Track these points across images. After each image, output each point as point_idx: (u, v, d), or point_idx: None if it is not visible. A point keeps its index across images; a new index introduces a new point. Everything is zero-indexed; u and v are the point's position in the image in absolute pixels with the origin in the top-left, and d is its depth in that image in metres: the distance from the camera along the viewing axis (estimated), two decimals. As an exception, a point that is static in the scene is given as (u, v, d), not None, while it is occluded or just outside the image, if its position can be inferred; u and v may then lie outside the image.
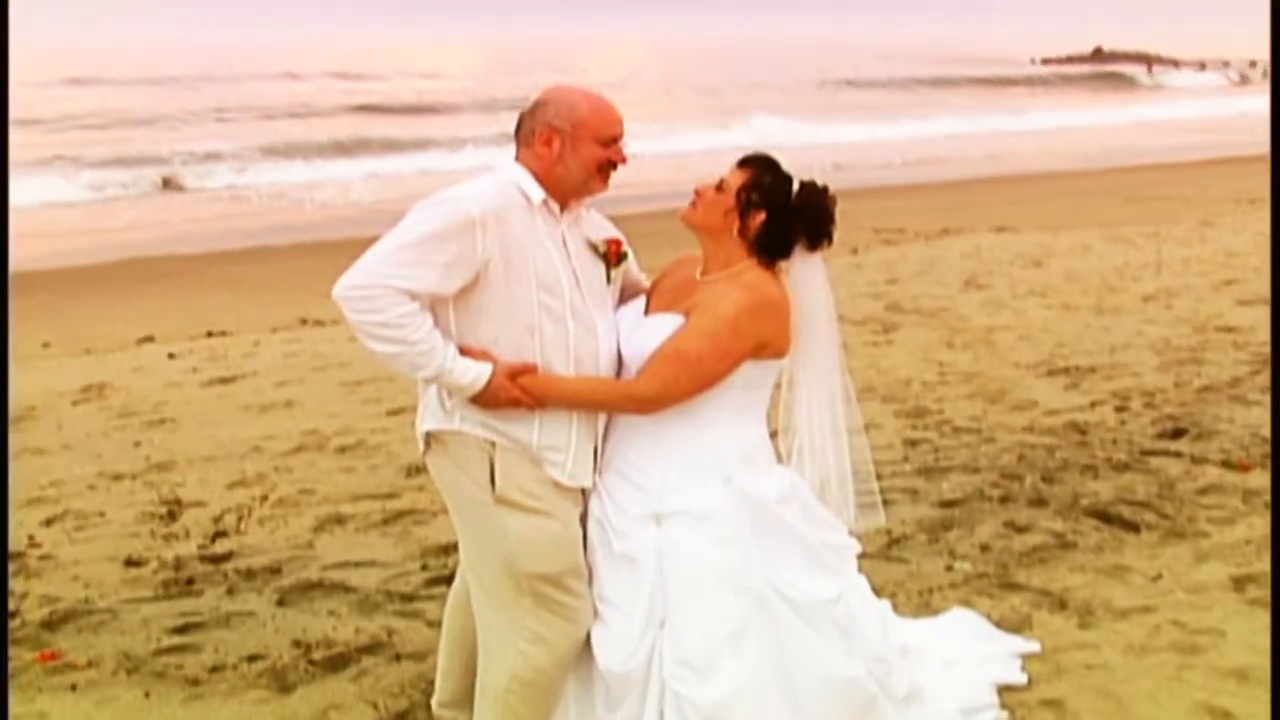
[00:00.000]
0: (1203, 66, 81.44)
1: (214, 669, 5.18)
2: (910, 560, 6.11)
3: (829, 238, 4.18)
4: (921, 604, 5.61)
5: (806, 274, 4.20)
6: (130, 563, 6.32)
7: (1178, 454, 7.48)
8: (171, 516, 7.01)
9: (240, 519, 6.93)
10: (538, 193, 4.00)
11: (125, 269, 15.65)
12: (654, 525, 4.08)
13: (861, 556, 6.04)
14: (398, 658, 5.22)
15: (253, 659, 5.25)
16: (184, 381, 10.11)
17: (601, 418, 4.15)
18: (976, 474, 7.25)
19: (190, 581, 6.09)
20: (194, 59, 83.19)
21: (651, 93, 54.33)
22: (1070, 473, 7.22)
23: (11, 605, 5.83)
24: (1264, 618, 5.36)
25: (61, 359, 11.14)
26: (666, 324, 4.07)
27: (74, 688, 5.04)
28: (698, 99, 50.69)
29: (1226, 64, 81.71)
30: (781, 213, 4.09)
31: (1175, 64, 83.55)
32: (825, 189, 4.18)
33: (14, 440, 8.56)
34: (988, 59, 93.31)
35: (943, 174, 25.47)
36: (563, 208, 4.07)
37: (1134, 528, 6.41)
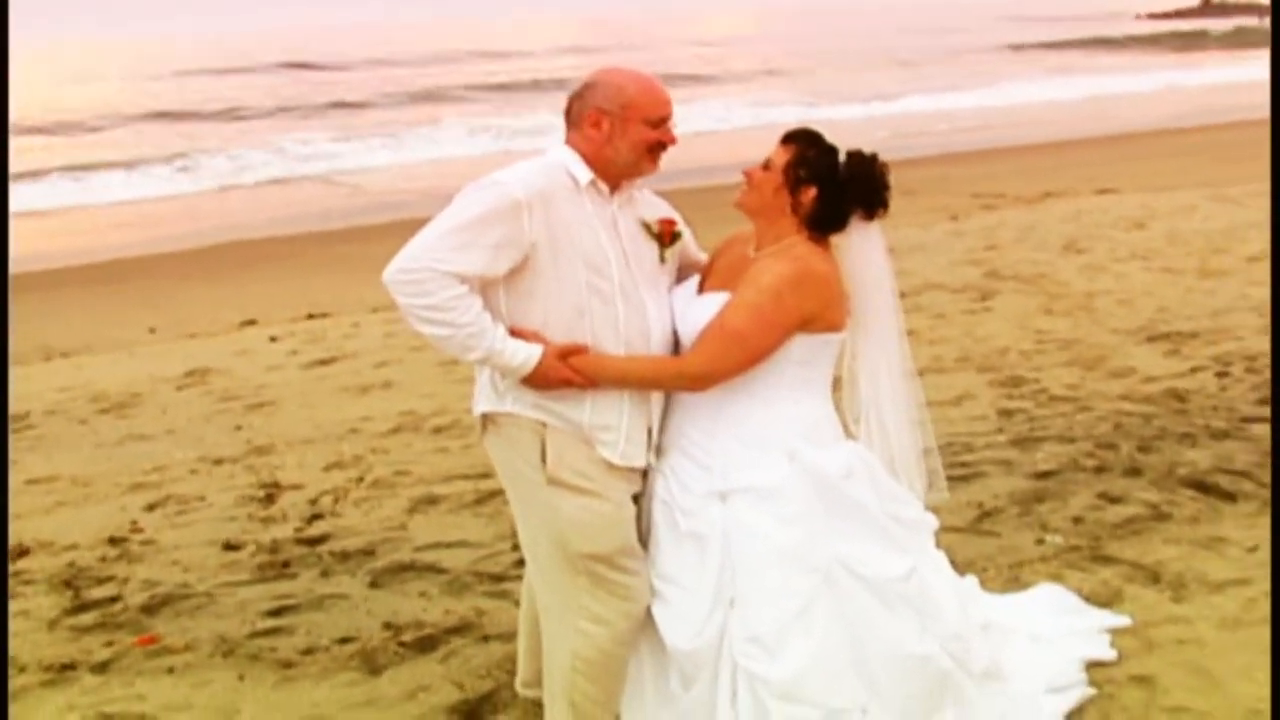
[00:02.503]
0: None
1: (306, 651, 5.27)
2: (1001, 533, 6.05)
3: (884, 206, 4.14)
4: (1011, 579, 5.55)
5: (864, 245, 4.17)
6: (228, 546, 6.44)
7: (1280, 421, 7.33)
8: (270, 499, 7.12)
9: (336, 501, 7.03)
10: (585, 174, 4.01)
11: (228, 252, 15.92)
12: (719, 502, 4.09)
13: (951, 530, 6.09)
14: (485, 639, 5.27)
15: (344, 641, 5.34)
16: (284, 364, 10.27)
17: (656, 398, 4.16)
18: (1071, 444, 7.16)
19: (286, 564, 6.19)
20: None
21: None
22: (1167, 441, 7.10)
23: (113, 590, 5.99)
24: (1364, 588, 5.24)
25: (166, 344, 11.37)
26: (717, 301, 4.06)
27: (171, 671, 5.15)
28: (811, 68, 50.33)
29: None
30: (832, 185, 4.06)
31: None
32: (874, 157, 4.13)
33: (119, 426, 8.78)
34: (1092, 16, 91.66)
35: (1045, 135, 25.06)
36: (613, 189, 4.07)
37: (1231, 497, 6.30)
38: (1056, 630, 4.95)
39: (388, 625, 5.45)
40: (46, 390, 9.81)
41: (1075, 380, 8.42)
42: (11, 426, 8.82)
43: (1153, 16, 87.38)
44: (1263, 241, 12.57)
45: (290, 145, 27.76)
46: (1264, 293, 10.45)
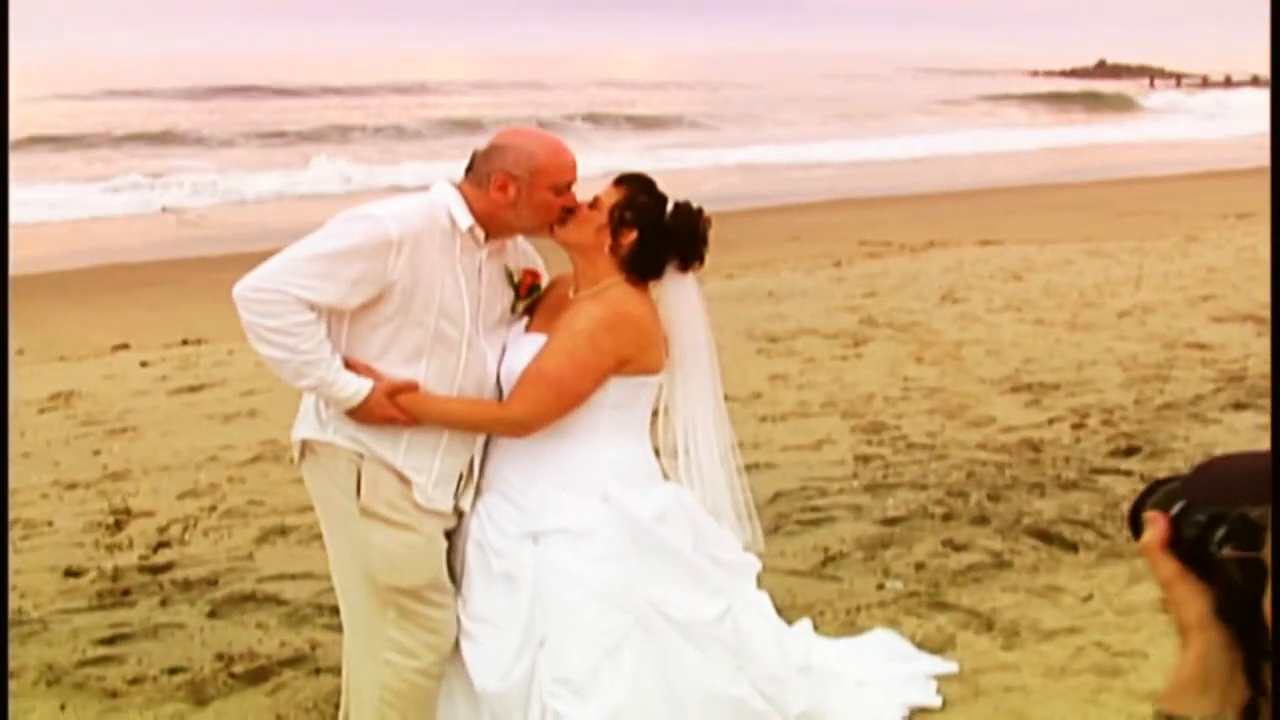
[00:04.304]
0: (1205, 81, 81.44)
1: (134, 681, 5.20)
2: (843, 578, 6.11)
3: (700, 259, 4.20)
4: (847, 623, 5.61)
5: (679, 294, 4.22)
6: (70, 573, 6.35)
7: (1128, 473, 7.47)
8: (118, 526, 7.03)
9: (185, 529, 6.95)
10: (465, 219, 4.01)
11: (106, 275, 15.70)
12: (532, 544, 4.10)
13: (794, 574, 6.16)
14: (317, 671, 5.24)
15: (174, 671, 5.28)
16: (152, 390, 10.14)
17: (478, 444, 4.17)
18: (923, 491, 7.25)
19: (126, 592, 6.11)
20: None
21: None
22: (1017, 491, 7.22)
23: (-56, 614, 5.86)
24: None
25: (34, 365, 11.17)
26: (535, 344, 4.09)
27: (-9, 699, 5.06)
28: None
29: (1228, 79, 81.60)
30: (653, 232, 4.11)
31: (1178, 79, 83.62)
32: (699, 211, 4.20)
33: (-26, 447, 8.60)
34: (990, 70, 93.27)
35: (934, 185, 25.42)
36: (489, 238, 4.08)
37: (1073, 547, 6.41)
38: (884, 675, 5.01)
39: (220, 656, 5.40)
40: (-97, 409, 9.60)
41: (935, 428, 8.54)
42: None
43: (1049, 74, 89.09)
44: (1134, 298, 12.84)
45: (180, 171, 27.39)
46: (1129, 347, 10.69)
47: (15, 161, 29.88)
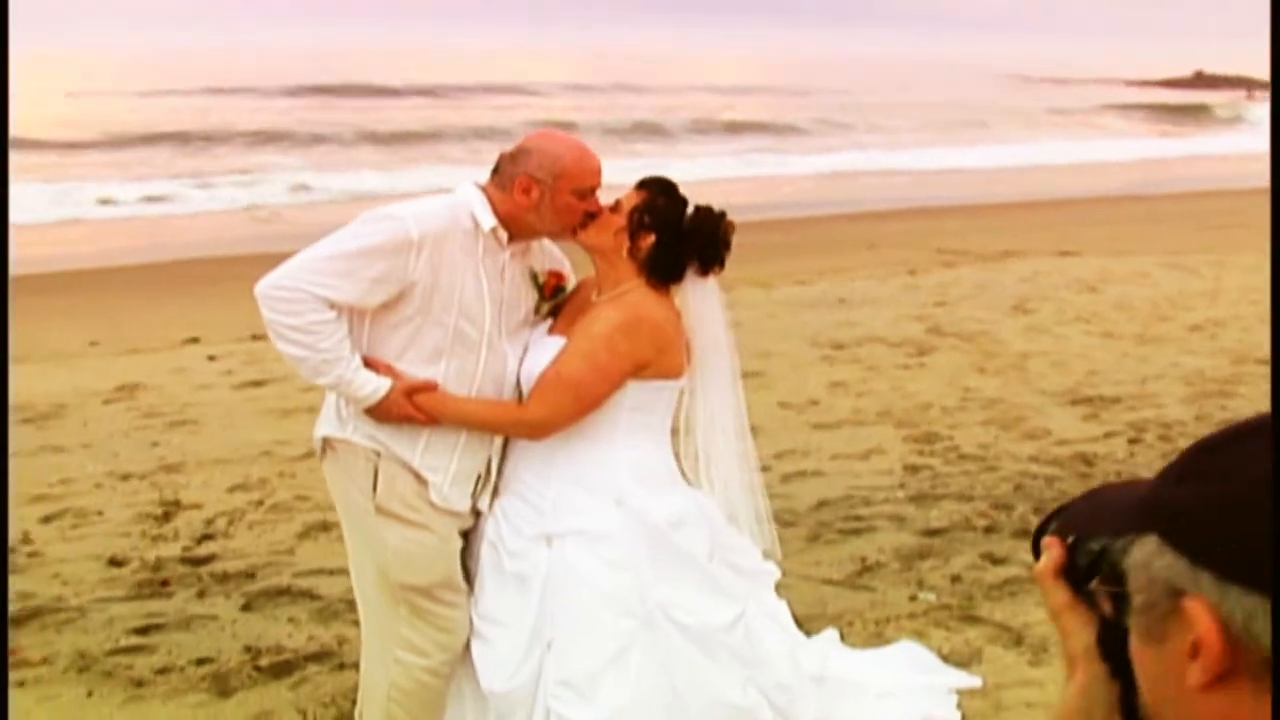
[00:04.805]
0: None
1: (161, 670, 5.27)
2: (876, 589, 6.06)
3: (720, 263, 4.17)
4: (875, 634, 5.56)
5: (699, 299, 4.20)
6: (113, 562, 6.44)
7: (1179, 489, 7.33)
8: (166, 518, 7.13)
9: (231, 522, 7.03)
10: (488, 220, 4.02)
11: (182, 270, 15.93)
12: (545, 545, 4.11)
13: (828, 582, 6.12)
14: (341, 666, 5.27)
15: (201, 662, 5.34)
16: (216, 384, 10.26)
17: (496, 445, 4.19)
18: (969, 502, 7.18)
19: (165, 583, 6.19)
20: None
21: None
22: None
23: (-13, 600, 5.98)
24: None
25: (105, 358, 11.36)
26: (554, 346, 4.10)
27: (22, 684, 5.14)
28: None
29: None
30: (671, 236, 4.09)
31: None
32: (721, 215, 4.17)
33: (36, 437, 8.76)
34: (1083, 80, 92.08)
35: (1019, 194, 25.17)
36: (512, 239, 4.10)
37: (1113, 563, 6.30)
38: (906, 687, 4.96)
39: (248, 649, 5.46)
40: (-26, 398, 9.80)
41: (989, 439, 8.45)
42: (-68, 432, 8.81)
43: (1145, 84, 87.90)
44: (1208, 312, 12.64)
45: (271, 169, 27.79)
46: (1196, 362, 10.51)
47: (111, 157, 30.57)
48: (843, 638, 5.25)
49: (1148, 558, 1.21)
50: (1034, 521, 6.76)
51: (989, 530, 6.75)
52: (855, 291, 14.18)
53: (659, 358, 4.09)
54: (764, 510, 4.48)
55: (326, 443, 4.18)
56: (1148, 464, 7.86)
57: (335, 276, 3.86)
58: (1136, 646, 1.24)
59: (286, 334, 3.88)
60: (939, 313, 12.92)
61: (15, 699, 5.02)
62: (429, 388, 4.00)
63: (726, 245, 4.18)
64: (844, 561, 6.34)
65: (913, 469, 7.85)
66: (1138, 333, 11.78)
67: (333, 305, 3.87)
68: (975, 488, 7.45)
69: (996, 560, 6.35)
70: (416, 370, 4.00)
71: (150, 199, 23.55)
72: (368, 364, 3.97)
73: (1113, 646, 1.35)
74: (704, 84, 72.18)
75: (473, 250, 4.01)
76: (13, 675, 5.21)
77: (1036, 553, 1.51)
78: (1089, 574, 1.37)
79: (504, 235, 4.05)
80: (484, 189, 4.09)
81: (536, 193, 4.00)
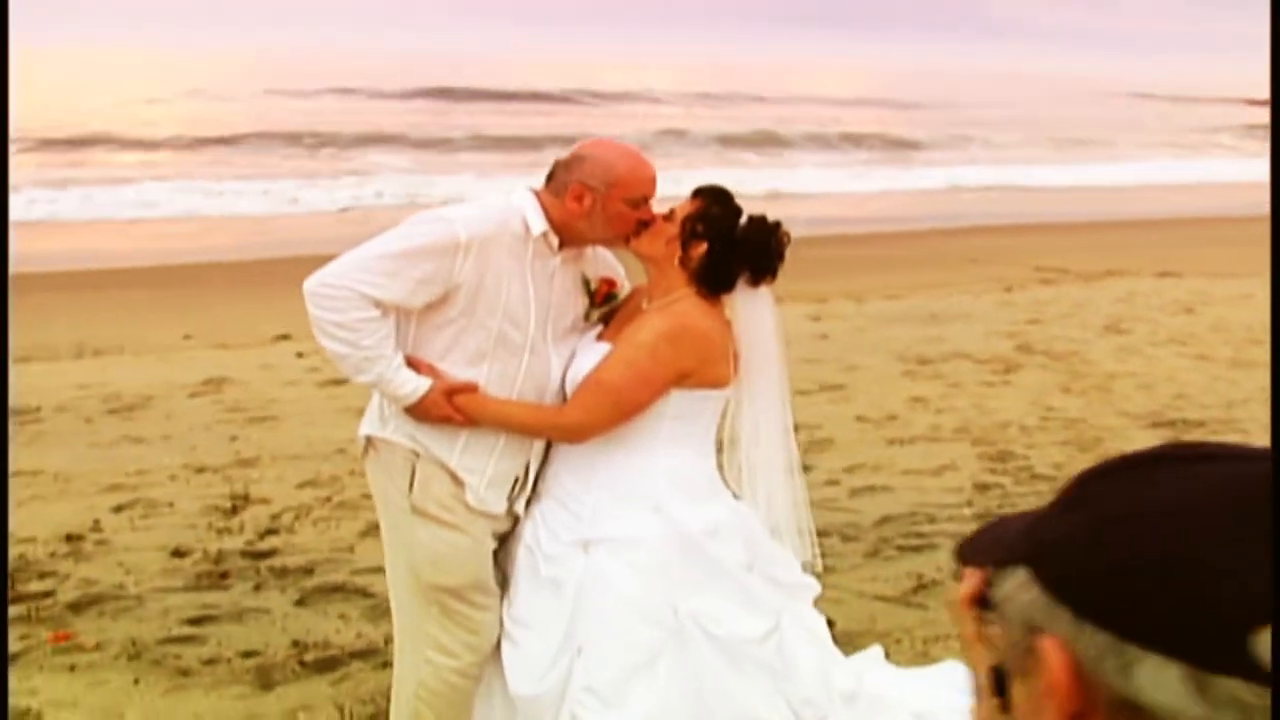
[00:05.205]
0: None
1: (209, 661, 5.34)
2: (929, 607, 5.98)
3: (773, 274, 4.13)
4: (921, 653, 5.49)
5: (751, 308, 4.16)
6: (176, 553, 6.55)
7: (1250, 517, 7.17)
8: (234, 511, 7.23)
9: (296, 518, 7.11)
10: (540, 225, 4.02)
11: (279, 267, 16.11)
12: (582, 551, 4.10)
13: (881, 599, 6.06)
14: (385, 665, 5.28)
15: (248, 655, 5.40)
16: (301, 380, 10.39)
17: (536, 450, 4.19)
18: (1035, 524, 7.06)
19: (225, 575, 6.28)
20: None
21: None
22: (1131, 529, 6.98)
23: (50, 585, 6.10)
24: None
25: (196, 352, 11.57)
26: (599, 352, 4.08)
27: (72, 669, 5.25)
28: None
29: None
30: (724, 245, 4.06)
31: None
32: (776, 225, 4.12)
33: (120, 428, 8.94)
34: (1206, 99, 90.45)
35: (1128, 213, 24.79)
36: (563, 245, 4.11)
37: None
38: (944, 707, 4.88)
39: (296, 643, 5.51)
40: (66, 387, 10.02)
41: (1063, 460, 8.32)
42: (21, 420, 9.02)
43: (1264, 104, 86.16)
44: (1308, 336, 12.35)
45: (379, 170, 28.16)
46: (1289, 388, 10.26)
47: (234, 157, 31.13)
48: (888, 655, 5.18)
49: (1015, 591, 1.18)
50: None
51: (1052, 552, 6.63)
52: (948, 307, 14.04)
53: (703, 367, 4.07)
54: (806, 523, 4.44)
55: (369, 441, 4.21)
56: (1225, 490, 7.69)
57: (382, 275, 3.89)
58: (1014, 682, 1.21)
59: (330, 330, 3.91)
60: (1031, 330, 12.76)
61: (65, 683, 5.13)
62: (469, 389, 4.02)
63: (780, 256, 4.14)
64: (900, 578, 6.27)
65: (983, 487, 7.75)
66: (1231, 356, 11.53)
67: (378, 304, 3.90)
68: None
69: (1055, 583, 6.24)
70: (458, 371, 4.02)
71: (260, 195, 24.00)
72: (410, 363, 3.99)
73: (1000, 681, 1.32)
74: (810, 95, 71.82)
75: (521, 255, 4.02)
76: (64, 659, 5.32)
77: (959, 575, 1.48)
78: (984, 605, 1.34)
79: (555, 241, 4.06)
80: (538, 194, 4.09)
81: (589, 200, 4.00)
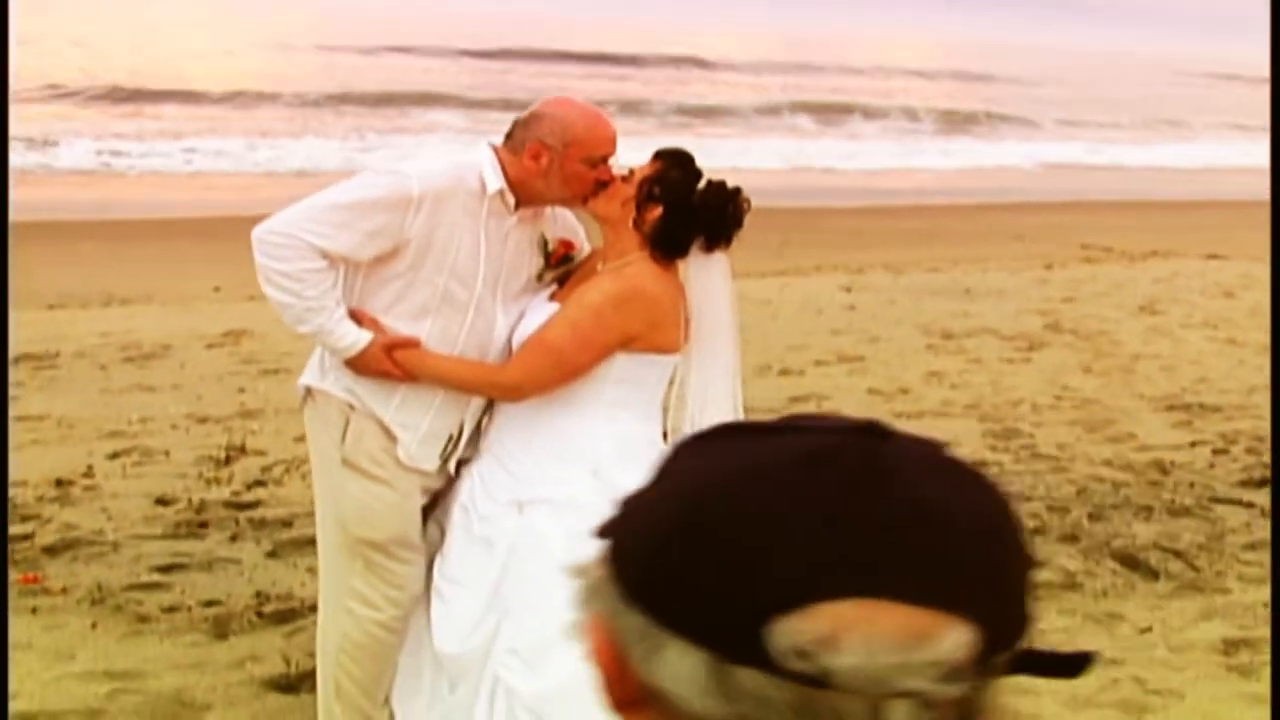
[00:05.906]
0: None
1: (169, 609, 5.39)
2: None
3: (727, 240, 4.07)
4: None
5: (704, 276, 4.11)
6: (160, 501, 6.60)
7: (1249, 504, 7.07)
8: (227, 462, 7.28)
9: (287, 471, 7.15)
10: (496, 183, 4.00)
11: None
12: (516, 512, 4.08)
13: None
14: (341, 619, 5.34)
15: (209, 604, 5.45)
16: (318, 335, 10.42)
17: (470, 407, 4.18)
18: (1026, 503, 6.98)
19: (203, 525, 6.33)
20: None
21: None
22: (1122, 512, 6.91)
23: (30, 529, 6.17)
24: (1238, 684, 5.07)
25: (224, 304, 11.65)
26: (547, 312, 4.05)
27: (34, 611, 5.31)
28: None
29: None
30: (679, 209, 4.00)
31: None
32: (736, 191, 4.06)
33: (133, 376, 9.02)
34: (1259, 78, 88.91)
35: (1174, 193, 24.44)
36: (519, 205, 4.08)
37: (1154, 575, 6.11)
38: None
39: (258, 594, 5.55)
40: (87, 334, 10.12)
41: (1069, 440, 8.22)
42: (38, 365, 9.13)
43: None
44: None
45: (432, 129, 28.23)
46: (1314, 375, 10.10)
47: (289, 113, 31.28)
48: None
49: (595, 566, 1.16)
50: (1085, 526, 6.59)
51: (1036, 532, 6.55)
52: (984, 282, 13.90)
53: (650, 332, 4.02)
54: None
55: (307, 392, 4.22)
56: (1226, 476, 7.59)
57: (331, 226, 3.88)
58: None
59: (275, 279, 3.90)
60: (1064, 309, 12.60)
61: (24, 624, 5.18)
62: (410, 344, 4.00)
63: (737, 223, 4.07)
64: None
65: (980, 465, 7.65)
66: (1262, 341, 11.32)
67: (325, 255, 3.88)
68: (1038, 488, 7.26)
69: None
70: (402, 326, 4.01)
71: (319, 152, 24.19)
72: (353, 316, 3.98)
73: None
74: (880, 66, 71.14)
75: (476, 212, 3.99)
76: (27, 602, 5.38)
77: None
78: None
79: (511, 199, 4.03)
80: (497, 151, 4.07)
81: (546, 159, 3.97)
